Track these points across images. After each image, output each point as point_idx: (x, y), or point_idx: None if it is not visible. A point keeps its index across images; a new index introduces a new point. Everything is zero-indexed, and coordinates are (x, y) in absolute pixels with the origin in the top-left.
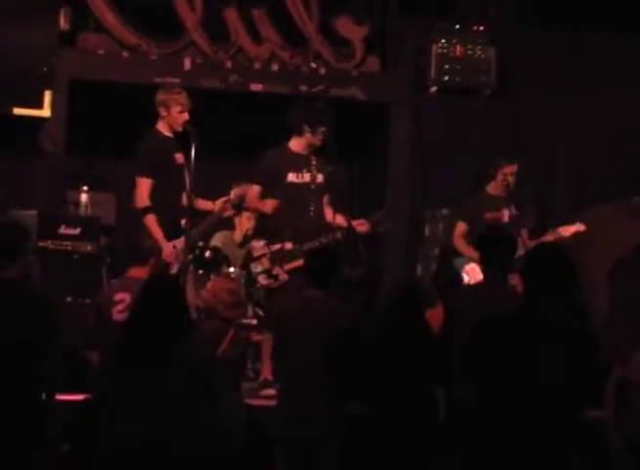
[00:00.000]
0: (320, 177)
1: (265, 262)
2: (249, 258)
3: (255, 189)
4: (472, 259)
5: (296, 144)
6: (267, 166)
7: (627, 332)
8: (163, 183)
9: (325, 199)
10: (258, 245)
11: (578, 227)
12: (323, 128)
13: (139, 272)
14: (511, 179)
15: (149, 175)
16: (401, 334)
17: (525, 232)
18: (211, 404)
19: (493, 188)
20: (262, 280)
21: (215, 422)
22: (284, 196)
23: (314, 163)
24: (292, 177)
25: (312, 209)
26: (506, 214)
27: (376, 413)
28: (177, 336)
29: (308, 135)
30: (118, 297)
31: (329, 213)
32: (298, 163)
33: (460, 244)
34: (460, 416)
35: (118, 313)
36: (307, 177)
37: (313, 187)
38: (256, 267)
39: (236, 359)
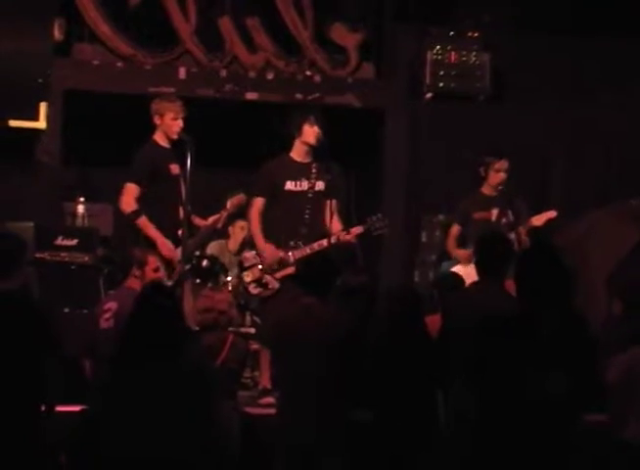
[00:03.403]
0: (320, 184)
1: (256, 272)
2: (241, 269)
3: (259, 202)
4: (457, 261)
5: (296, 152)
6: (267, 176)
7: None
8: (159, 194)
9: (329, 205)
10: (250, 255)
11: (550, 214)
12: (317, 120)
13: (132, 283)
14: (503, 175)
15: (136, 181)
16: (402, 340)
17: (521, 230)
18: (208, 412)
19: (486, 188)
20: (253, 289)
21: (212, 430)
22: (281, 204)
23: (314, 170)
24: (289, 185)
25: (307, 216)
26: (495, 214)
27: (378, 419)
28: (172, 344)
29: (305, 129)
30: (107, 306)
31: (328, 220)
32: (298, 171)
33: (451, 245)
34: (460, 424)
35: (105, 321)
36: (305, 185)
37: (310, 195)
38: (247, 277)
39: (234, 368)
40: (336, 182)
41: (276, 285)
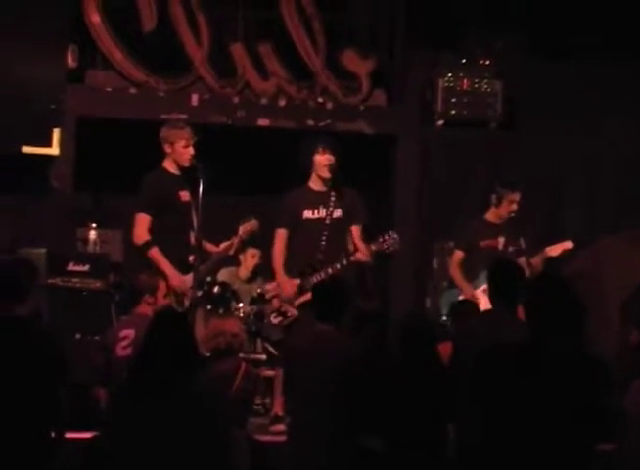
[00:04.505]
0: (338, 212)
1: (276, 302)
2: (262, 301)
3: (282, 234)
4: (461, 292)
5: (313, 181)
6: (288, 207)
7: None
8: (169, 221)
9: (351, 231)
10: (271, 286)
11: (566, 245)
12: (326, 147)
13: (144, 309)
14: (515, 207)
15: (147, 212)
16: (413, 368)
17: (533, 259)
18: (218, 440)
19: (492, 215)
20: (274, 319)
21: (222, 458)
22: (299, 233)
23: (332, 198)
24: (307, 214)
25: (324, 243)
26: (501, 242)
27: (389, 447)
28: (185, 370)
29: (317, 159)
30: (123, 333)
31: (351, 246)
32: (315, 199)
33: (455, 273)
34: (467, 451)
35: (122, 349)
36: (323, 213)
37: (328, 222)
38: (269, 308)
39: (245, 397)
40: (355, 208)
41: (295, 313)
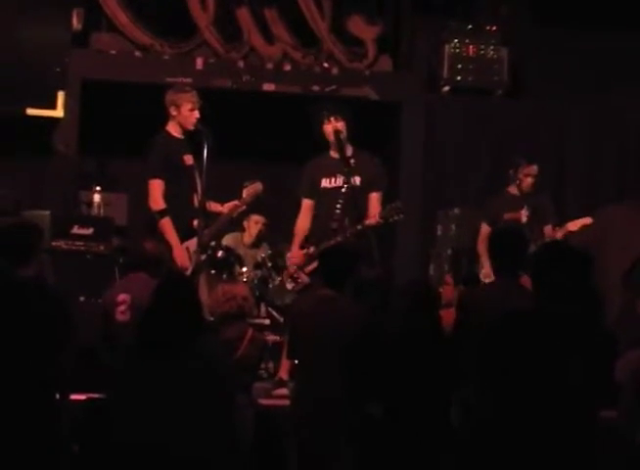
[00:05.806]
0: (357, 179)
1: (292, 269)
2: (271, 264)
3: (306, 203)
4: (483, 268)
5: (333, 149)
6: (307, 177)
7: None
8: (174, 185)
9: (372, 198)
10: (290, 254)
11: (586, 221)
12: (331, 115)
13: (142, 274)
14: (531, 180)
15: (159, 176)
16: (416, 335)
17: (549, 228)
18: (221, 404)
19: (514, 188)
20: (288, 285)
21: (225, 422)
22: (317, 201)
23: (352, 165)
24: (325, 183)
25: (338, 211)
26: (524, 215)
27: (390, 414)
28: (190, 334)
29: (325, 128)
30: (120, 298)
31: (369, 212)
32: (334, 167)
33: (482, 248)
34: (472, 419)
35: (121, 314)
36: (340, 181)
37: (344, 190)
38: (286, 274)
39: (251, 362)
40: (374, 175)
41: (306, 279)
